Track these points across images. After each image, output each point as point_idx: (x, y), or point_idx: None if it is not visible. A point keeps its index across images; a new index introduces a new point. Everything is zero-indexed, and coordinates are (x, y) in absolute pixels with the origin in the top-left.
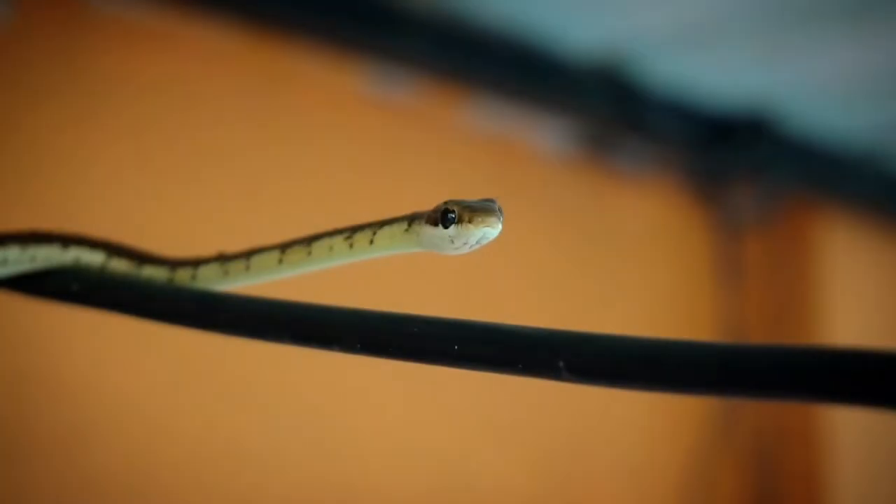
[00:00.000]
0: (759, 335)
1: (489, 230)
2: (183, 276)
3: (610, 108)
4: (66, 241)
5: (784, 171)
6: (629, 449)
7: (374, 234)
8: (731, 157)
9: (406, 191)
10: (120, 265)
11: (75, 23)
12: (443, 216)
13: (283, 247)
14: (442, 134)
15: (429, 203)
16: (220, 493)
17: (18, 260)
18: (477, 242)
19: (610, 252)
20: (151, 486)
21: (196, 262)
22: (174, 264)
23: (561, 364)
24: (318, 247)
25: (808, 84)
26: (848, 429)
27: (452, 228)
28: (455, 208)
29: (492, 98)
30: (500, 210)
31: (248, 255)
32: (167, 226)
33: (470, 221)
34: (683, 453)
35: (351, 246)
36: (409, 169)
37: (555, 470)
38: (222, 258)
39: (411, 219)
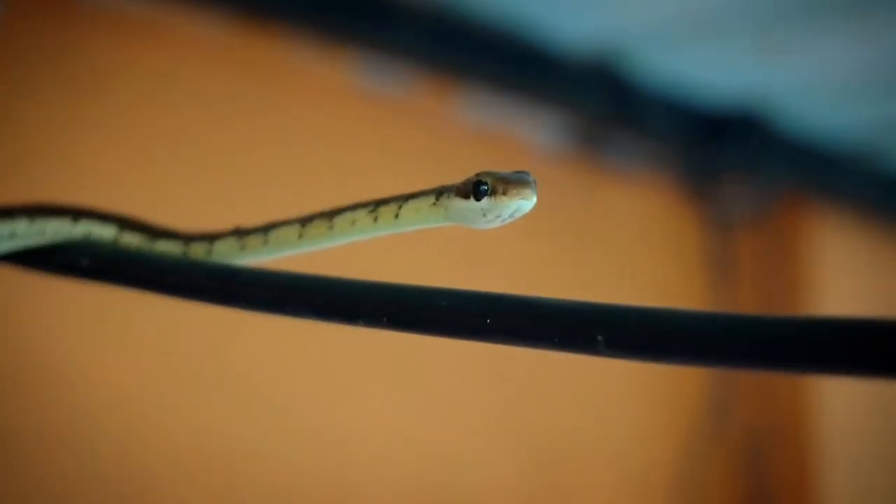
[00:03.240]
0: None
1: (524, 202)
2: (198, 251)
3: (602, 104)
4: (77, 214)
5: (776, 167)
6: (621, 446)
7: (400, 207)
8: (723, 154)
9: (396, 183)
10: (132, 239)
11: (67, 17)
12: (475, 188)
13: (304, 220)
14: (433, 127)
15: None
16: (215, 488)
17: (27, 233)
18: (511, 216)
19: (601, 247)
20: (145, 482)
21: (212, 237)
22: (189, 239)
23: (600, 338)
24: (340, 220)
25: (800, 81)
26: (838, 427)
27: (485, 201)
28: (488, 180)
29: (484, 92)
30: (534, 182)
31: (267, 229)
32: (158, 218)
33: (504, 193)
34: (675, 450)
35: (375, 220)
36: (400, 162)
37: (546, 466)
38: (239, 232)
39: (439, 192)
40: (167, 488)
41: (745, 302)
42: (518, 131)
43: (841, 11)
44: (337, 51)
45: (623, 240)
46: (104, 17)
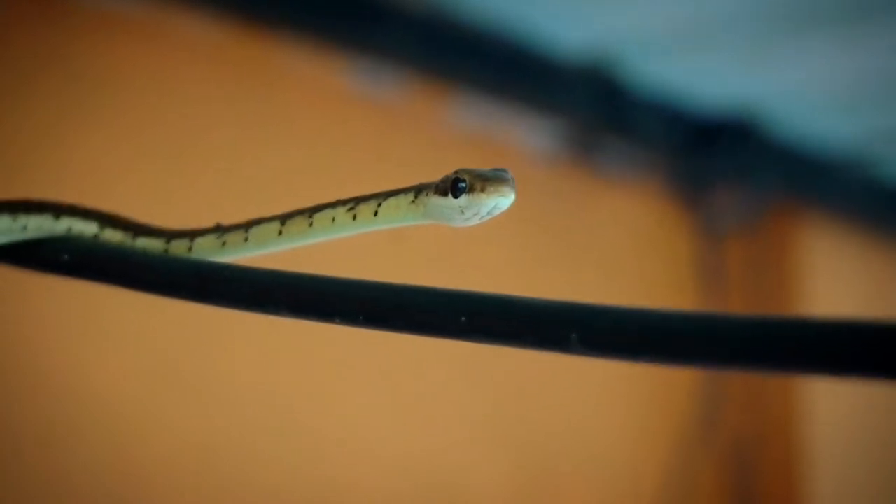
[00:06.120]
0: None
1: (502, 199)
2: (179, 248)
3: (595, 110)
4: (59, 210)
5: (768, 175)
6: (609, 451)
7: (379, 205)
8: (714, 161)
9: (388, 186)
10: (114, 236)
11: (58, 17)
12: (453, 185)
13: (284, 218)
14: (426, 131)
15: None
16: (201, 492)
17: (9, 229)
18: (488, 213)
19: (592, 253)
20: (130, 485)
21: (193, 234)
22: (170, 235)
23: (573, 336)
24: (319, 218)
25: (793, 89)
26: (827, 433)
27: (463, 198)
28: (466, 177)
29: (478, 96)
30: (512, 180)
31: (247, 226)
32: (153, 219)
33: (482, 190)
34: (664, 452)
35: (354, 217)
36: (394, 166)
37: (534, 470)
38: (220, 229)
39: (418, 190)
40: (164, 487)
41: (735, 309)
42: (510, 136)
43: (832, 21)
44: (332, 54)
45: (614, 246)
46: (101, 20)
